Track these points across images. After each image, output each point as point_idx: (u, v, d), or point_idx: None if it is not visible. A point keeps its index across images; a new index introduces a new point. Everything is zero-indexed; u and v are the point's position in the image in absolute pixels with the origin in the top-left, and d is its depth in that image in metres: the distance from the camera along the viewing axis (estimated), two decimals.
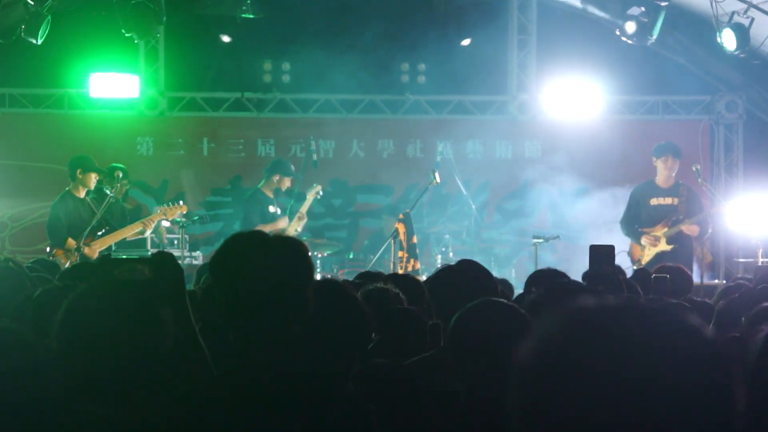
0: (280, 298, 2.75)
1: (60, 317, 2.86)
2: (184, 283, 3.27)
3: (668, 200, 11.67)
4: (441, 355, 4.09)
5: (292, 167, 13.31)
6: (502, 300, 3.33)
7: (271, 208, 12.80)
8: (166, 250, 13.34)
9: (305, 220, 12.90)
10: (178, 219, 11.96)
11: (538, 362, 1.46)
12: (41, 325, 3.83)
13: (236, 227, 13.22)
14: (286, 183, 12.99)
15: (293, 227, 12.70)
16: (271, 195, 12.89)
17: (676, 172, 11.83)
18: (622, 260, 11.52)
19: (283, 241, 2.90)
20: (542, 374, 1.45)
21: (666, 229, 11.49)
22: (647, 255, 11.52)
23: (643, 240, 11.57)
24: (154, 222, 11.58)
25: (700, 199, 11.95)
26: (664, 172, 11.72)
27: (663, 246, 11.51)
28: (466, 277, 4.29)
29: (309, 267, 2.87)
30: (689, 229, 11.46)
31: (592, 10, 15.49)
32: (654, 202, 11.71)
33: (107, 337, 2.81)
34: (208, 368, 3.16)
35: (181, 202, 11.97)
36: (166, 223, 12.15)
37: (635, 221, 11.75)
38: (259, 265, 2.77)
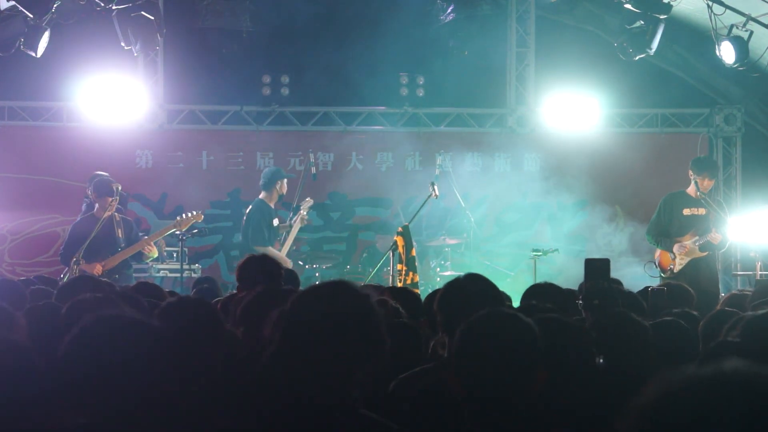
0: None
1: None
2: None
3: (701, 210, 11.34)
4: (441, 367, 4.08)
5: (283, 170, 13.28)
6: (508, 310, 3.33)
7: (275, 221, 12.71)
8: (165, 262, 13.35)
9: (301, 223, 12.82)
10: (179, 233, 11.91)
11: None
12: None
13: (241, 240, 13.00)
14: (285, 186, 12.84)
15: (292, 237, 12.66)
16: (273, 206, 12.79)
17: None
18: (650, 269, 11.49)
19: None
20: None
21: (696, 237, 11.28)
22: (679, 263, 11.30)
23: (676, 248, 11.29)
24: (162, 235, 11.54)
25: (725, 211, 11.76)
26: (696, 188, 11.38)
27: (697, 253, 11.29)
28: (474, 291, 4.29)
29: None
30: (713, 237, 11.27)
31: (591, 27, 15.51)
32: (687, 212, 11.37)
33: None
34: None
35: (195, 212, 11.85)
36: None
37: (666, 230, 11.52)
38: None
